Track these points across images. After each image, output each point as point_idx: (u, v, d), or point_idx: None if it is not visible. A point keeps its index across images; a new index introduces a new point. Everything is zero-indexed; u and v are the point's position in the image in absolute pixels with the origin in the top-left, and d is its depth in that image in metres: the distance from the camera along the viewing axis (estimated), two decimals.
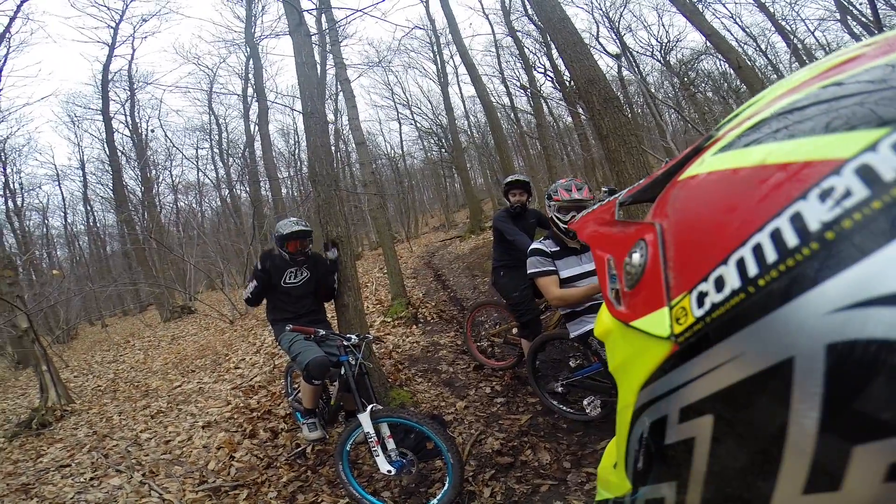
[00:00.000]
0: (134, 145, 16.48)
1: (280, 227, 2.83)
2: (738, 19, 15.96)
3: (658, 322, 0.30)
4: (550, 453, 2.40)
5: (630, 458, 0.36)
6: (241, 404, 3.65)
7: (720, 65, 16.71)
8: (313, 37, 3.87)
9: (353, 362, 2.34)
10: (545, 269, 2.38)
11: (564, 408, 2.73)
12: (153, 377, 5.66)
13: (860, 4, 11.41)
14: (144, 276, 13.09)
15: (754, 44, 16.03)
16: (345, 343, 2.39)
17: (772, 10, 12.72)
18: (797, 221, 0.23)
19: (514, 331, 3.55)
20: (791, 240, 0.23)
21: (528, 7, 13.52)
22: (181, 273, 14.49)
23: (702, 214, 0.30)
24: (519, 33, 15.77)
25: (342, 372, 2.36)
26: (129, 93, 15.63)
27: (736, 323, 0.25)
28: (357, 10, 3.86)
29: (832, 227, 0.22)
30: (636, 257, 0.33)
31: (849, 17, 11.86)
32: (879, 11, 9.38)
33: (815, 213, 0.22)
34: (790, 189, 0.24)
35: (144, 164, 15.55)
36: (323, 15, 7.54)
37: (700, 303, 0.27)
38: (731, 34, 14.78)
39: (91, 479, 2.82)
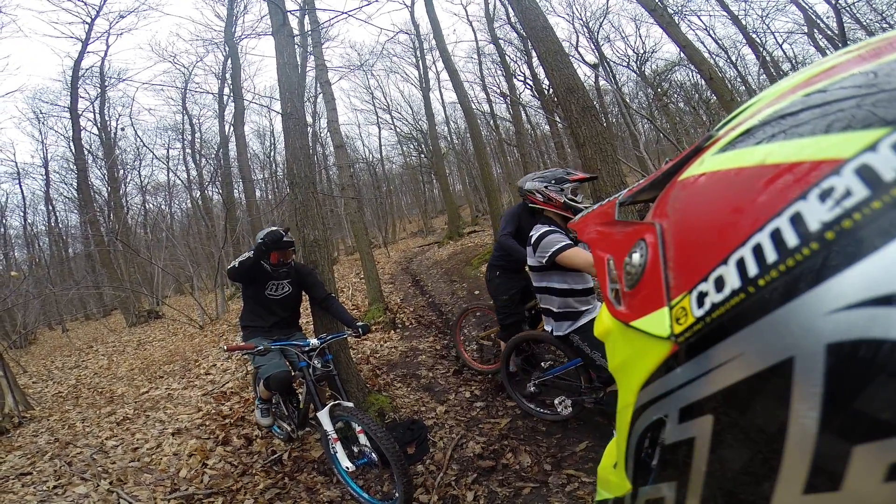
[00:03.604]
0: (102, 144, 15.80)
1: (262, 234, 2.67)
2: (711, 31, 16.62)
3: (658, 322, 0.30)
4: (531, 456, 2.41)
5: (630, 458, 0.36)
6: (213, 411, 3.53)
7: (692, 76, 17.32)
8: (295, 37, 3.81)
9: (316, 366, 2.39)
10: (568, 242, 2.24)
11: (540, 409, 2.75)
12: (118, 383, 5.41)
13: (827, 18, 12.03)
14: (109, 279, 12.54)
15: (725, 56, 16.70)
16: (303, 349, 2.41)
17: (744, 22, 13.29)
18: (797, 221, 0.23)
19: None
20: (791, 240, 0.23)
21: (512, 15, 13.73)
22: (148, 277, 13.95)
23: (702, 214, 0.30)
24: (501, 41, 15.97)
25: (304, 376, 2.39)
26: (99, 90, 15.01)
27: (736, 323, 0.25)
28: (342, 13, 3.82)
29: (832, 227, 0.22)
30: (636, 257, 0.33)
31: (815, 31, 12.50)
32: (845, 25, 9.90)
33: (815, 213, 0.22)
34: (790, 189, 0.24)
35: (112, 164, 14.93)
36: (306, 16, 7.44)
37: (700, 303, 0.27)
38: (705, 46, 15.35)
39: (55, 487, 2.67)
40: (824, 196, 0.22)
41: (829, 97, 0.26)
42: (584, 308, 2.39)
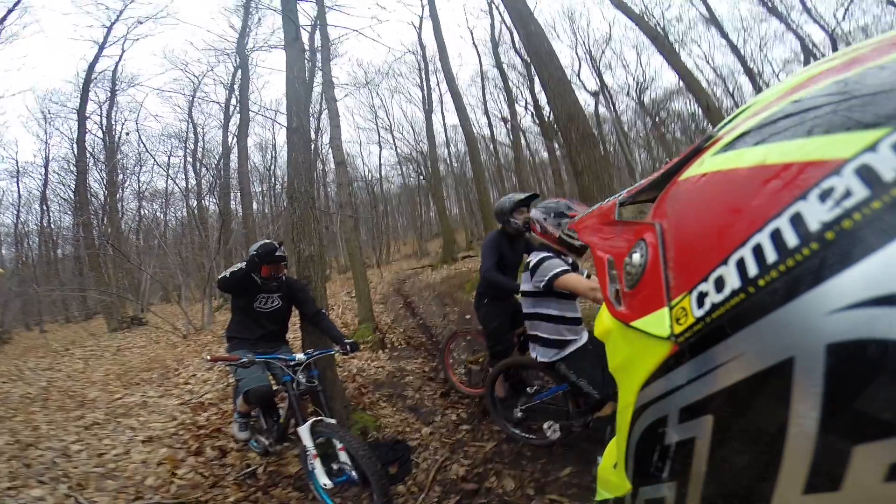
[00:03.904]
0: (105, 147, 15.82)
1: (255, 247, 2.66)
2: (710, 60, 17.17)
3: (658, 322, 0.30)
4: (514, 480, 2.36)
5: (630, 458, 0.35)
6: (189, 420, 3.42)
7: (690, 105, 17.81)
8: (305, 52, 3.89)
9: (301, 380, 2.35)
10: (567, 267, 2.24)
11: (526, 434, 2.71)
12: (92, 388, 5.25)
13: (823, 47, 12.49)
14: (96, 282, 12.32)
15: (723, 85, 17.21)
16: (289, 363, 2.38)
17: (742, 52, 13.75)
18: (797, 222, 0.23)
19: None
20: (791, 240, 0.23)
21: (517, 40, 14.16)
22: (136, 283, 13.73)
23: (702, 215, 0.30)
24: (505, 66, 16.41)
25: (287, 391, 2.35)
26: (109, 93, 15.15)
27: (736, 323, 0.25)
28: (353, 30, 3.93)
29: (832, 227, 0.22)
30: (636, 257, 0.33)
31: (812, 60, 12.99)
32: None
33: (815, 213, 0.23)
34: (790, 189, 0.24)
35: (113, 167, 14.91)
36: (317, 31, 7.60)
37: (700, 303, 0.27)
38: (703, 75, 15.82)
39: (8, 488, 2.55)
40: (824, 196, 0.23)
41: (829, 98, 0.27)
42: (571, 337, 2.38)
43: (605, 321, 0.39)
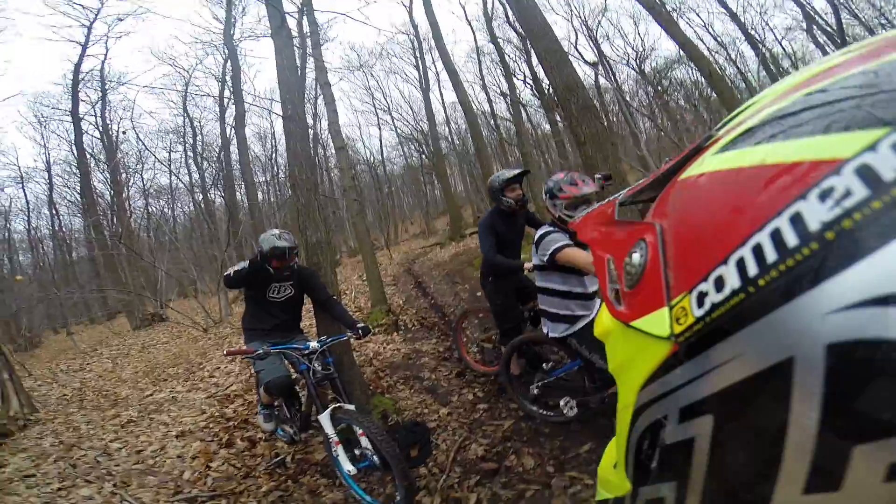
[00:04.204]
0: (104, 147, 15.86)
1: (262, 241, 2.66)
2: (710, 28, 16.59)
3: (658, 322, 0.30)
4: (534, 458, 2.40)
5: (630, 458, 0.36)
6: (217, 413, 3.54)
7: (692, 73, 17.28)
8: (294, 39, 3.83)
9: (317, 368, 2.39)
10: (569, 241, 2.22)
11: (543, 412, 2.73)
12: (122, 386, 5.44)
13: (825, 14, 11.98)
14: (113, 282, 12.59)
15: (725, 52, 16.65)
16: (303, 352, 2.41)
17: (742, 19, 13.26)
18: (797, 221, 0.23)
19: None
20: (791, 240, 0.23)
21: (510, 14, 13.73)
22: (151, 280, 14.00)
23: (702, 214, 0.30)
24: (500, 40, 15.99)
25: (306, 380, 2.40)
26: (100, 93, 15.07)
27: (736, 323, 0.25)
28: (340, 13, 3.84)
29: (832, 227, 0.22)
30: (636, 257, 0.33)
31: (814, 27, 12.45)
32: (843, 22, 9.86)
33: (815, 213, 0.22)
34: (790, 189, 0.24)
35: (115, 167, 14.99)
36: (305, 17, 7.45)
37: (700, 303, 0.27)
38: (704, 43, 15.29)
39: (59, 489, 2.68)
40: (824, 196, 0.22)
41: (830, 97, 0.26)
42: (581, 312, 2.36)
43: (605, 321, 0.39)
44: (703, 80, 12.59)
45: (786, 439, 0.23)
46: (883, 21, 11.95)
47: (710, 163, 0.31)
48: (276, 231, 2.70)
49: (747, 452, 0.25)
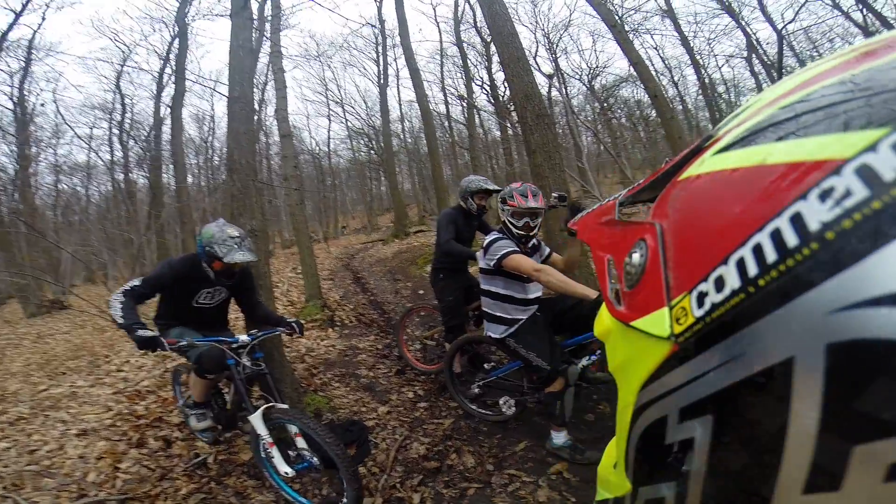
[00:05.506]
0: (16, 119, 13.96)
1: (215, 241, 2.24)
2: (660, 51, 17.77)
3: (658, 322, 0.29)
4: (474, 456, 2.43)
5: (630, 457, 0.35)
6: (126, 410, 3.20)
7: (636, 93, 18.46)
8: (254, 22, 3.59)
9: (246, 364, 2.19)
10: (515, 248, 2.34)
11: (483, 410, 2.80)
12: (12, 380, 4.78)
13: (766, 44, 13.25)
14: (6, 263, 11.01)
15: (669, 75, 17.93)
16: (232, 346, 2.18)
17: (692, 44, 14.29)
18: (797, 221, 0.23)
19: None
20: (791, 240, 0.23)
21: (479, 19, 13.88)
22: (55, 262, 12.45)
23: (702, 214, 0.30)
24: (465, 44, 16.13)
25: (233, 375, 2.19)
26: (25, 63, 13.29)
27: (736, 323, 0.25)
28: None
29: (832, 227, 0.22)
30: (636, 257, 0.33)
31: (754, 56, 13.69)
32: (784, 55, 10.88)
33: (816, 213, 0.22)
34: (790, 189, 0.24)
35: (25, 140, 13.23)
36: (268, 1, 7.06)
37: (700, 303, 0.27)
38: (652, 64, 16.29)
39: None
40: (824, 196, 0.23)
41: (829, 98, 0.27)
42: (520, 316, 2.45)
43: (604, 321, 0.38)
44: (646, 99, 13.41)
45: (786, 439, 0.23)
46: (814, 54, 13.30)
47: (709, 163, 0.31)
48: (234, 233, 2.28)
49: (747, 452, 0.25)
